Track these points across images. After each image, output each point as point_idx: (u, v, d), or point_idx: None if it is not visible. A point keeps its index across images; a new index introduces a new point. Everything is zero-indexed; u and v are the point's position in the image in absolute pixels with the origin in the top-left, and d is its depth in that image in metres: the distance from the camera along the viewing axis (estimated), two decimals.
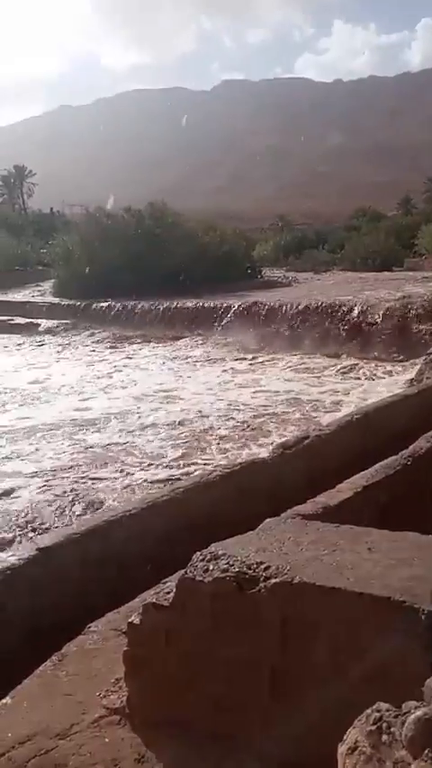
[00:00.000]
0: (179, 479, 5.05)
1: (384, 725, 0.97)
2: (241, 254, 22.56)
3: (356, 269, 23.35)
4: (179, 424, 8.34)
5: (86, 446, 7.51)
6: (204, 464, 6.52)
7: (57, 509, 5.62)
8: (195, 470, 6.05)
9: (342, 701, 1.32)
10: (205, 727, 1.61)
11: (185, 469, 6.57)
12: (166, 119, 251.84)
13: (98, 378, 12.14)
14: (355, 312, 13.70)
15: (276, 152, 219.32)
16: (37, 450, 7.44)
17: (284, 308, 14.71)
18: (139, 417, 8.82)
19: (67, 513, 5.53)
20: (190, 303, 16.72)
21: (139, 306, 17.51)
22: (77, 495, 5.89)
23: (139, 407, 9.39)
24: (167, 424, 8.31)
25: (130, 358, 14.20)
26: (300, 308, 14.52)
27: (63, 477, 6.41)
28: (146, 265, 18.94)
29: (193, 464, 6.81)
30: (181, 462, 6.93)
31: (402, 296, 14.31)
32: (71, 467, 6.75)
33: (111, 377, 12.17)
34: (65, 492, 5.97)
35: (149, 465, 6.83)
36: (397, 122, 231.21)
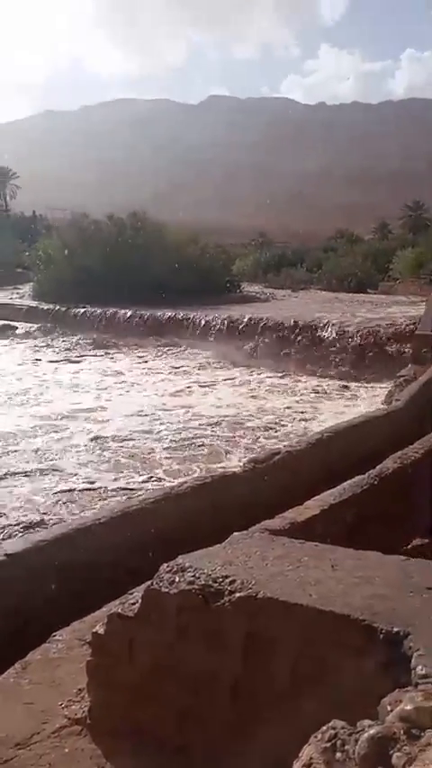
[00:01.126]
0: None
1: (339, 742, 1.00)
2: (221, 268, 22.74)
3: (333, 289, 23.72)
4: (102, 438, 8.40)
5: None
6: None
7: None
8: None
9: (300, 717, 1.36)
10: (168, 740, 1.62)
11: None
12: (151, 130, 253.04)
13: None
14: (329, 331, 13.92)
15: (260, 170, 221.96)
16: None
17: (261, 323, 14.86)
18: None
19: None
20: (168, 313, 16.78)
21: (119, 313, 17.51)
22: None
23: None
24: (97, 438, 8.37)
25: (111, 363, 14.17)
26: (276, 324, 14.69)
27: None
28: (125, 274, 18.96)
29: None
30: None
31: (376, 318, 14.60)
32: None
33: (72, 381, 12.12)
34: None
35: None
36: (377, 148, 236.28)
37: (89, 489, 6.44)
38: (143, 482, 6.61)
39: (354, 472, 4.28)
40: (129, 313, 17.19)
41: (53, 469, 6.98)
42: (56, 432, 8.53)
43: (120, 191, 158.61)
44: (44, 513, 5.76)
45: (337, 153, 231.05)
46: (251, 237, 47.74)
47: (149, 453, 7.67)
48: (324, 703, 1.36)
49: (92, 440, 8.13)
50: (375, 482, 4.20)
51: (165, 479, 6.56)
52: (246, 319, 15.08)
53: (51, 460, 7.35)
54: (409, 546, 5.19)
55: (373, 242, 39.06)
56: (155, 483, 6.45)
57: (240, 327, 14.95)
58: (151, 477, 6.85)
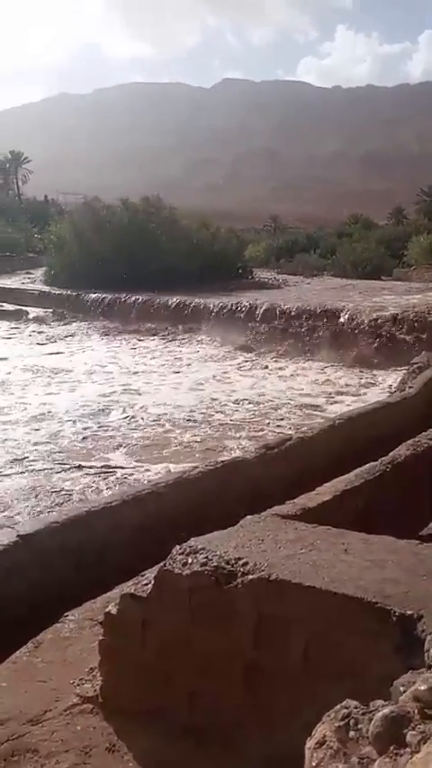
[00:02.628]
0: None
1: (352, 721, 1.00)
2: (233, 254, 22.58)
3: (346, 275, 23.49)
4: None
5: None
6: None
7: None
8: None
9: (312, 696, 1.36)
10: (178, 719, 1.63)
11: None
12: (164, 113, 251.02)
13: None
14: (344, 317, 13.81)
15: (273, 153, 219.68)
16: None
17: (276, 310, 14.77)
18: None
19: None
20: (179, 299, 16.72)
21: (130, 299, 17.48)
22: None
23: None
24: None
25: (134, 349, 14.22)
26: (288, 310, 14.59)
27: None
28: (138, 259, 18.88)
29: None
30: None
31: (390, 305, 14.46)
32: None
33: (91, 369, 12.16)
34: None
35: None
36: (393, 133, 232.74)
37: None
38: None
39: (366, 459, 4.25)
40: (140, 299, 17.15)
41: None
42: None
43: (133, 175, 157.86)
44: None
45: (352, 137, 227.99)
46: (264, 223, 47.36)
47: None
48: (336, 684, 1.36)
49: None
50: (388, 469, 4.17)
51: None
52: (261, 306, 14.99)
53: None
54: (423, 532, 5.18)
55: (388, 228, 38.57)
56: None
57: (255, 314, 14.86)
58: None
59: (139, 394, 10.08)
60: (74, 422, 8.20)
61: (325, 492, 3.47)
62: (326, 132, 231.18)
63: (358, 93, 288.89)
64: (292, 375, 11.92)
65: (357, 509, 3.71)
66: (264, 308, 14.99)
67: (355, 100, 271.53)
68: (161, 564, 1.69)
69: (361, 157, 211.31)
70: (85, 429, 7.92)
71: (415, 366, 9.29)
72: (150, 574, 1.73)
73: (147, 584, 1.69)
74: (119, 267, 18.64)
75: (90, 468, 6.45)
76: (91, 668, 1.83)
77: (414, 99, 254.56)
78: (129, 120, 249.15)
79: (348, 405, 8.81)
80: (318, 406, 9.59)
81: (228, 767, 1.51)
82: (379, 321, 13.47)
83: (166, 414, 8.66)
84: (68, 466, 6.47)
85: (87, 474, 6.24)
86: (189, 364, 12.81)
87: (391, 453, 4.40)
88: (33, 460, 6.60)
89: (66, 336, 15.98)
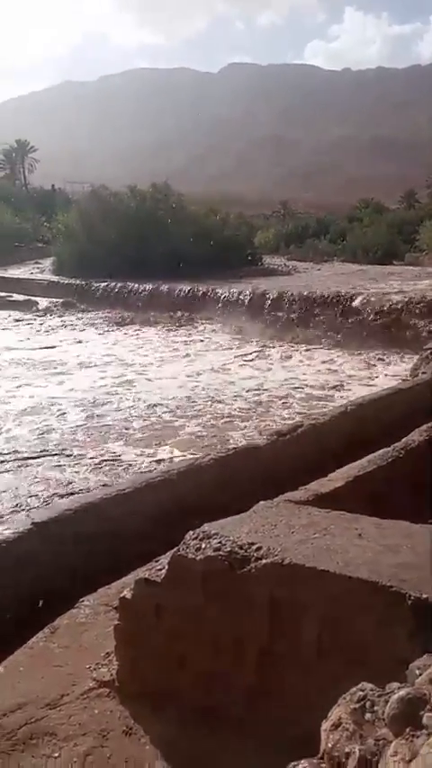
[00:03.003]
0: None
1: (368, 703, 1.00)
2: (243, 240, 22.43)
3: (357, 260, 23.28)
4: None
5: None
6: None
7: None
8: None
9: (326, 680, 1.36)
10: (192, 703, 1.65)
11: None
12: (169, 99, 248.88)
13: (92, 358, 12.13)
14: (355, 303, 13.71)
15: (281, 139, 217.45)
16: None
17: (285, 297, 14.69)
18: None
19: None
20: (190, 287, 16.65)
21: (139, 288, 17.45)
22: None
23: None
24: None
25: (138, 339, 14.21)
26: (298, 297, 14.51)
27: None
28: (146, 246, 18.82)
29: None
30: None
31: (402, 290, 14.32)
32: None
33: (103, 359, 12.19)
34: None
35: None
36: (404, 115, 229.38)
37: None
38: None
39: (379, 444, 4.23)
40: (150, 287, 17.10)
41: None
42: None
43: (139, 162, 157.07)
44: None
45: (361, 121, 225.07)
46: (273, 208, 46.98)
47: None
48: (350, 668, 1.36)
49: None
50: (401, 455, 4.15)
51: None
52: (272, 293, 14.89)
53: None
54: None
55: (399, 212, 38.12)
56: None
57: (265, 301, 14.78)
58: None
59: (149, 380, 10.11)
60: (84, 411, 8.24)
61: (338, 478, 3.47)
62: (335, 116, 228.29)
63: (368, 75, 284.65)
64: (302, 362, 11.87)
65: (370, 495, 3.70)
66: (274, 295, 14.91)
67: (365, 83, 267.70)
68: (175, 549, 1.69)
69: (371, 141, 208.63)
70: (94, 418, 7.95)
71: (428, 352, 9.24)
72: (164, 559, 1.74)
73: (161, 570, 1.70)
74: (128, 255, 18.59)
75: (93, 458, 6.47)
76: (107, 653, 1.85)
77: (426, 80, 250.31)
78: (134, 106, 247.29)
79: (359, 391, 8.77)
80: (329, 393, 9.56)
81: (241, 750, 1.52)
82: (390, 307, 13.36)
83: (171, 403, 8.67)
84: (71, 455, 6.50)
85: (91, 464, 6.27)
86: (197, 353, 12.80)
87: (404, 439, 4.38)
88: (37, 452, 6.63)
89: (74, 325, 16.01)
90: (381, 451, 4.08)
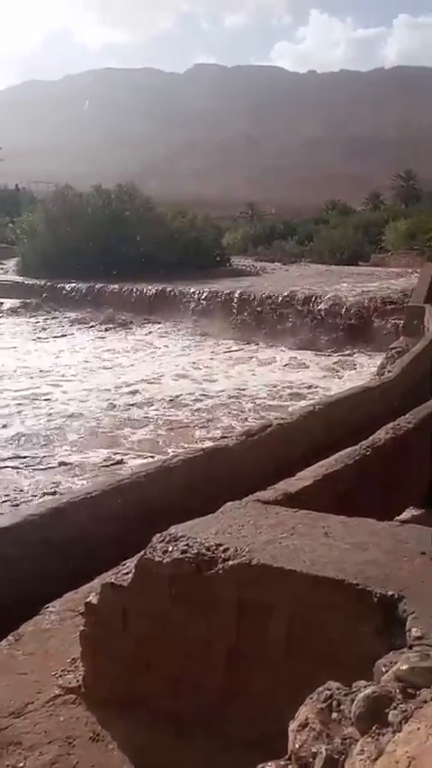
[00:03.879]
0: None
1: (334, 703, 1.00)
2: (210, 242, 22.48)
3: (324, 261, 23.56)
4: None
5: None
6: None
7: None
8: None
9: (295, 680, 1.36)
10: (161, 707, 1.63)
11: None
12: (136, 100, 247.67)
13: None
14: (322, 304, 13.86)
15: (248, 140, 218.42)
16: None
17: (253, 297, 14.76)
18: None
19: None
20: (156, 288, 16.59)
21: (106, 288, 17.30)
22: None
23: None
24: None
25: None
26: (265, 297, 14.59)
27: None
28: (113, 247, 18.68)
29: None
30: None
31: (368, 291, 14.54)
32: None
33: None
34: None
35: None
36: (369, 117, 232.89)
37: None
38: None
39: (347, 443, 4.27)
40: (116, 287, 16.98)
41: None
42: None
43: (104, 162, 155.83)
44: None
45: (327, 123, 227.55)
46: (240, 210, 47.15)
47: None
48: (318, 667, 1.36)
49: None
50: (368, 453, 4.20)
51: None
52: (237, 294, 14.94)
53: None
54: (403, 515, 5.25)
55: (365, 213, 38.69)
56: None
57: (232, 301, 14.82)
58: None
59: (118, 379, 10.04)
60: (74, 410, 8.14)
61: (306, 477, 3.49)
62: (301, 118, 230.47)
63: (333, 77, 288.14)
64: (270, 362, 11.95)
65: (338, 493, 3.73)
66: (241, 295, 14.97)
67: (330, 85, 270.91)
68: (141, 552, 1.67)
69: (338, 142, 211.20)
70: (69, 418, 7.86)
71: (394, 351, 9.40)
72: (131, 563, 1.71)
73: (127, 573, 1.68)
74: (94, 256, 18.43)
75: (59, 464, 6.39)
76: (73, 659, 1.82)
77: (389, 83, 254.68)
78: (100, 106, 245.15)
79: (328, 390, 8.87)
80: (298, 392, 9.64)
81: (210, 753, 1.51)
82: (357, 307, 13.55)
83: (136, 403, 8.63)
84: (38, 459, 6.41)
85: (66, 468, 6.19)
86: (164, 353, 12.77)
87: (371, 437, 4.43)
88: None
89: (41, 326, 15.79)
90: (348, 450, 4.12)
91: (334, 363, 11.82)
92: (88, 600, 1.74)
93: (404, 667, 0.98)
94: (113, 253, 18.46)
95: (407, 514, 5.01)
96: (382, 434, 4.47)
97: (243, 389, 9.68)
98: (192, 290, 15.78)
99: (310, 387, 10.02)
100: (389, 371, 7.97)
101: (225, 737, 1.52)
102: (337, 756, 0.90)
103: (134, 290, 16.79)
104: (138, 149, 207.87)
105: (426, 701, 0.86)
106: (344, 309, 13.41)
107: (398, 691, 0.92)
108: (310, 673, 1.33)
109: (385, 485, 4.37)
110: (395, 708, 0.89)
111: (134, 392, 9.33)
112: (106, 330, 15.15)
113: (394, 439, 4.44)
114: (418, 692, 0.92)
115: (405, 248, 24.52)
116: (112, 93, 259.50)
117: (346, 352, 12.41)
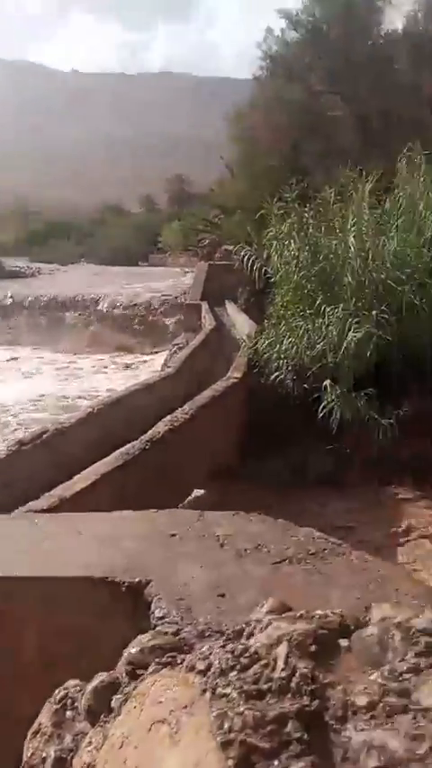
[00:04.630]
0: None
1: (69, 701, 0.98)
2: None
3: (104, 262, 23.55)
4: None
5: None
6: None
7: None
8: None
9: (53, 689, 1.32)
10: None
11: None
12: None
13: None
14: (101, 306, 13.84)
15: (18, 135, 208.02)
16: None
17: (26, 300, 14.16)
18: None
19: None
20: None
21: None
22: None
23: None
24: None
25: None
26: (41, 300, 14.12)
27: None
28: None
29: None
30: None
31: (148, 290, 14.90)
32: None
33: None
34: None
35: None
36: (138, 120, 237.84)
37: None
38: None
39: (129, 439, 4.32)
40: None
41: None
42: None
43: None
44: None
45: (96, 123, 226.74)
46: (10, 209, 44.74)
47: None
48: (76, 670, 1.34)
49: None
50: (147, 446, 4.30)
51: None
52: (7, 297, 14.19)
53: None
54: (191, 498, 5.49)
55: (141, 215, 39.47)
56: None
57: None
58: None
59: None
60: None
61: (83, 478, 3.45)
62: (68, 119, 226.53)
63: (97, 78, 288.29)
64: (48, 366, 11.60)
65: (121, 488, 3.76)
66: (11, 299, 14.28)
67: (96, 86, 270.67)
68: None
69: (106, 144, 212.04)
70: None
71: (176, 347, 9.76)
72: None
73: None
74: None
75: None
76: None
77: (156, 87, 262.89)
78: None
79: (112, 389, 8.89)
80: (79, 394, 9.50)
81: None
82: (138, 306, 13.80)
83: None
84: None
85: None
86: None
87: (149, 431, 4.55)
88: None
89: None
90: (128, 445, 4.18)
91: (118, 362, 11.89)
92: None
93: (134, 650, 0.98)
94: None
95: (192, 497, 5.26)
96: (160, 427, 4.61)
97: (20, 396, 9.26)
98: None
99: (90, 388, 9.95)
100: (168, 366, 8.27)
101: None
102: (65, 756, 0.88)
103: None
104: None
105: (144, 678, 0.87)
106: (125, 309, 13.55)
107: (125, 674, 0.93)
108: (69, 677, 1.30)
109: (169, 473, 4.52)
110: (120, 692, 0.90)
111: None
112: None
113: (172, 430, 4.61)
114: (145, 672, 0.93)
115: (182, 249, 25.62)
116: None
117: (130, 351, 12.58)
